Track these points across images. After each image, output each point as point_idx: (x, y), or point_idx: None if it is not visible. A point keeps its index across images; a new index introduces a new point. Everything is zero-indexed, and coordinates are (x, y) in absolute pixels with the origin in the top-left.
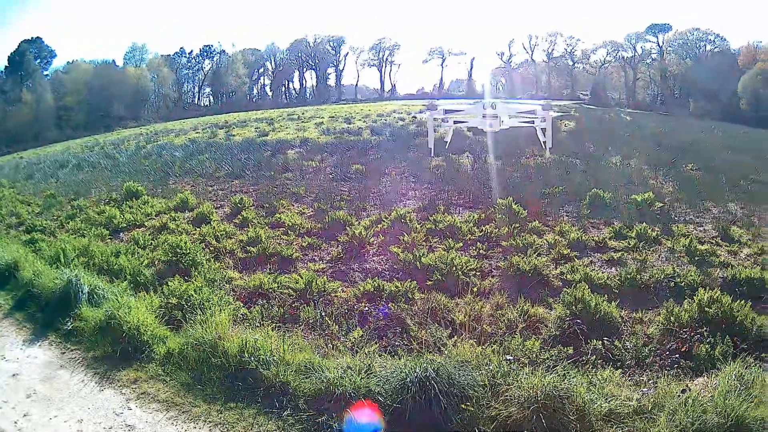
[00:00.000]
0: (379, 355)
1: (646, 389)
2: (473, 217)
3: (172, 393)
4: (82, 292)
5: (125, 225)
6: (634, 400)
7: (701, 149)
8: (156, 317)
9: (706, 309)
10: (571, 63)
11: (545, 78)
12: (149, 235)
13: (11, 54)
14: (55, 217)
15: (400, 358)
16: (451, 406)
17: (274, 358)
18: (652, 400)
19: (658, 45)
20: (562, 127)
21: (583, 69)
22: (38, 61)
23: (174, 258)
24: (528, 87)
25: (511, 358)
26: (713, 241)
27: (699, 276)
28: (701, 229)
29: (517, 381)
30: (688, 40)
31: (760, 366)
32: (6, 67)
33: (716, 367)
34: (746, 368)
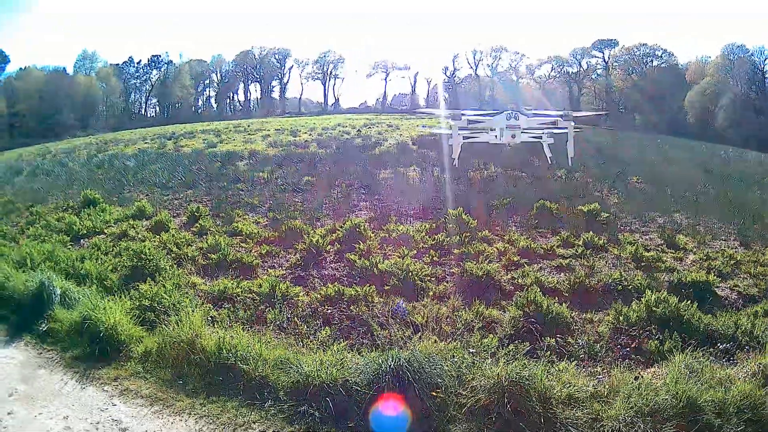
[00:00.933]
0: (348, 353)
1: (601, 377)
2: (425, 226)
3: (155, 389)
4: (54, 294)
5: (85, 232)
6: (590, 386)
7: (646, 162)
8: (129, 318)
9: (654, 309)
10: (515, 78)
11: (489, 93)
12: (110, 241)
13: None
14: (14, 223)
15: (369, 353)
16: (423, 393)
17: (252, 354)
18: (607, 386)
19: (604, 60)
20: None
21: (528, 84)
22: None
23: (138, 263)
24: (472, 101)
25: (474, 350)
26: (659, 249)
27: (645, 280)
28: (647, 237)
29: (482, 370)
30: (634, 56)
31: (708, 358)
32: None
33: (666, 359)
34: (695, 359)
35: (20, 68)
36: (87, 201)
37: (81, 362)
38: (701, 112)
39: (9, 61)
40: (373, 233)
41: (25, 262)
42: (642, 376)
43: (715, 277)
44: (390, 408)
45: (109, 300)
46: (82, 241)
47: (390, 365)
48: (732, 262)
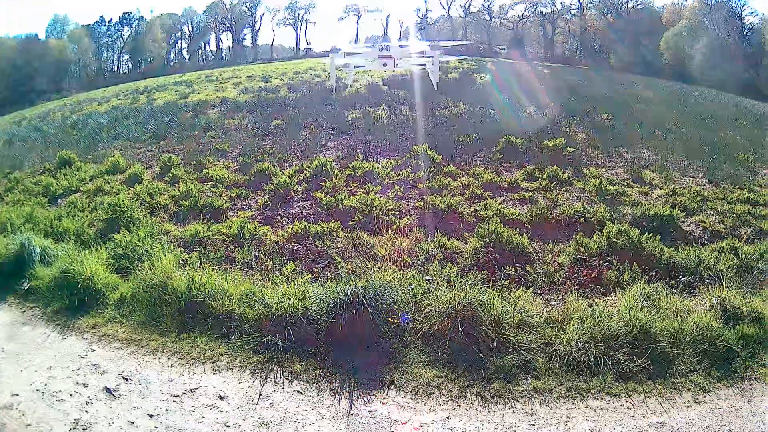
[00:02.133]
0: (311, 285)
1: (556, 304)
2: (390, 163)
3: (130, 332)
4: (34, 253)
5: (62, 191)
6: (544, 312)
7: (618, 101)
8: (106, 268)
9: (615, 240)
10: (488, 18)
11: (462, 33)
12: (86, 198)
13: None
14: None
15: (331, 285)
16: (379, 319)
17: (219, 291)
18: (561, 312)
19: (579, 1)
20: (477, 79)
21: (501, 24)
22: None
23: (113, 216)
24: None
25: (430, 278)
26: (624, 183)
27: (609, 212)
28: (613, 172)
29: (437, 297)
30: None
31: (667, 289)
32: None
33: (624, 290)
34: (653, 290)
35: None
36: (62, 161)
37: (62, 315)
38: (677, 53)
39: None
40: (339, 171)
41: (6, 227)
42: (597, 304)
43: (680, 212)
44: (348, 335)
45: (86, 253)
46: (59, 200)
47: (347, 293)
48: (699, 198)
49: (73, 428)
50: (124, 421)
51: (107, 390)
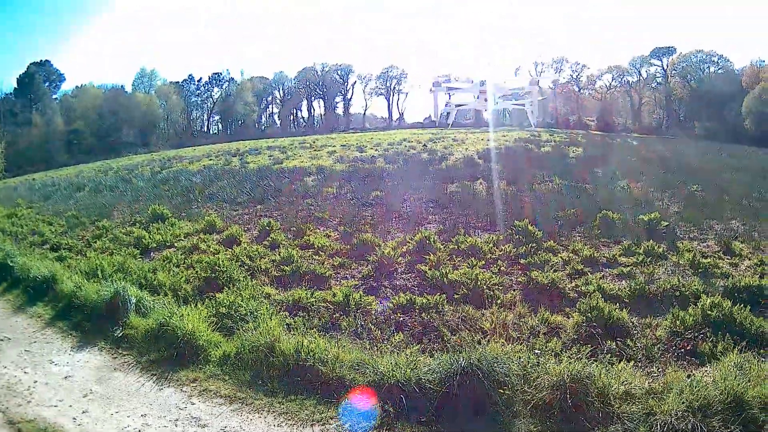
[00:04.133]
0: (421, 356)
1: (656, 376)
2: (492, 238)
3: (234, 389)
4: (130, 302)
5: (155, 245)
6: (646, 383)
7: (705, 170)
8: (207, 325)
9: (708, 312)
10: (577, 89)
11: (552, 105)
12: (181, 254)
13: (20, 76)
14: (79, 237)
15: (440, 356)
16: (492, 390)
17: (329, 356)
18: (661, 383)
19: (663, 68)
20: (570, 153)
21: (589, 95)
22: (47, 84)
23: (212, 275)
24: (538, 114)
25: (539, 351)
26: (716, 255)
27: (702, 285)
28: (704, 244)
29: (546, 369)
30: (691, 62)
31: (757, 358)
32: (15, 89)
33: (718, 360)
34: (744, 359)
35: (76, 86)
36: (155, 216)
37: (158, 366)
38: (759, 117)
39: (64, 79)
40: (442, 245)
41: (96, 273)
42: (694, 375)
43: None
44: (460, 404)
45: (186, 308)
46: (152, 254)
47: (461, 364)
48: None
49: None
50: None
51: None
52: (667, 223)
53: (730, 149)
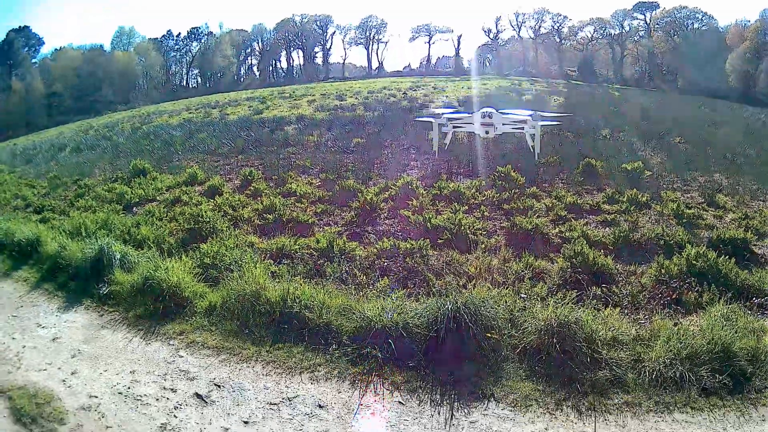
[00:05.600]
0: (407, 300)
1: (643, 323)
2: (474, 183)
3: (221, 340)
4: (114, 258)
5: (137, 200)
6: (633, 330)
7: (688, 124)
8: (192, 277)
9: (694, 262)
10: (558, 40)
11: (532, 54)
12: (164, 207)
13: (0, 44)
14: (62, 197)
15: (427, 300)
16: (479, 334)
17: (315, 303)
18: (648, 331)
19: (646, 23)
20: (552, 102)
21: (570, 46)
22: (26, 49)
23: (195, 226)
24: (515, 63)
25: (525, 296)
26: (700, 207)
27: (686, 235)
28: (688, 196)
29: (533, 314)
30: (675, 18)
31: (743, 310)
32: None
33: (704, 310)
34: (730, 311)
35: (55, 49)
36: (136, 171)
37: (145, 320)
38: (742, 75)
39: (43, 43)
40: (424, 190)
41: (79, 231)
42: (681, 323)
43: (752, 236)
44: (448, 348)
45: (170, 260)
46: (134, 209)
47: (448, 308)
48: None
49: None
50: (217, 427)
51: (198, 396)
52: (651, 173)
53: (711, 105)
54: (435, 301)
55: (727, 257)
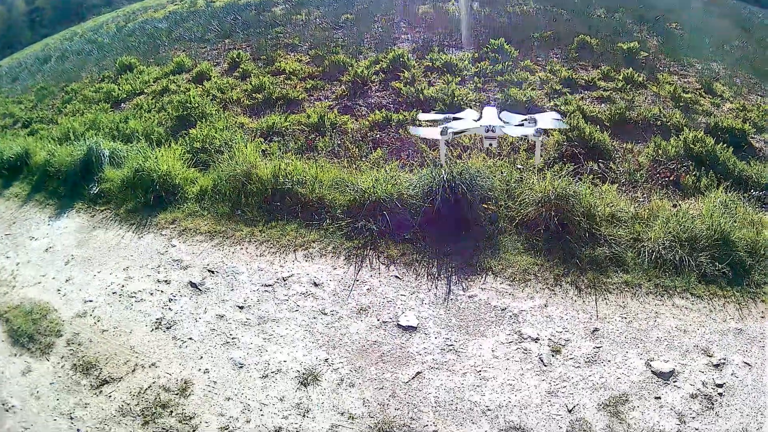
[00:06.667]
0: (401, 171)
1: (641, 201)
2: (467, 56)
3: (213, 224)
4: (103, 156)
5: (125, 95)
6: (631, 208)
7: (686, 12)
8: (182, 163)
9: (691, 146)
10: None
11: None
12: (152, 99)
13: None
14: (50, 106)
15: (421, 171)
16: (475, 205)
17: (308, 177)
18: (647, 210)
19: None
20: None
21: None
22: None
23: (184, 113)
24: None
25: (521, 167)
26: (697, 93)
27: (684, 119)
28: (685, 80)
29: (530, 186)
30: None
31: (743, 200)
32: None
33: (702, 195)
34: (730, 200)
35: None
36: (123, 67)
37: (137, 214)
38: None
39: None
40: (416, 62)
41: (68, 136)
42: (680, 205)
43: (750, 128)
44: (444, 220)
45: (159, 150)
46: (122, 105)
47: (443, 177)
48: None
49: (156, 328)
50: (212, 315)
51: (192, 285)
52: (647, 54)
53: None
54: (429, 171)
55: (725, 145)
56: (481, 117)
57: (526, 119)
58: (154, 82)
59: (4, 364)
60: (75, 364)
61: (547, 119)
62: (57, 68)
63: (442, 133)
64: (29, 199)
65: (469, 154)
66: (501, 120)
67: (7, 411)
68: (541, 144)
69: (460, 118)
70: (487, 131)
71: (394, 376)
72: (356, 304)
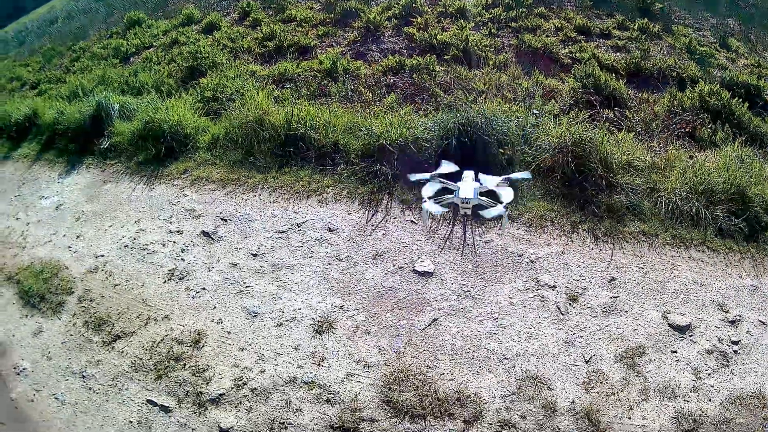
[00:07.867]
0: (416, 115)
1: (658, 150)
2: (481, 1)
3: (226, 171)
4: (113, 110)
5: (134, 50)
6: (648, 157)
7: None
8: (194, 113)
9: (707, 99)
10: None
11: None
12: (162, 52)
13: None
14: (58, 66)
15: (436, 114)
16: (491, 149)
17: (321, 123)
18: (663, 159)
19: None
20: None
21: None
22: None
23: (194, 63)
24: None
25: (537, 112)
26: (712, 46)
27: (699, 71)
28: (700, 33)
29: (546, 131)
30: None
31: (759, 156)
32: None
33: (718, 148)
34: (746, 155)
35: None
36: (131, 22)
37: (148, 165)
38: None
39: None
40: (429, 8)
41: (76, 93)
42: (697, 156)
43: (766, 84)
44: (459, 162)
45: (170, 100)
46: (131, 59)
47: (459, 120)
48: None
49: (168, 279)
50: (226, 264)
51: (205, 234)
52: (662, 5)
53: None
54: (444, 114)
55: (740, 100)
56: (461, 173)
57: (502, 179)
58: (163, 35)
59: (15, 327)
60: (87, 321)
61: (519, 175)
62: (64, 29)
63: (423, 201)
64: (38, 159)
65: (485, 97)
66: (478, 182)
67: (18, 374)
68: (509, 218)
69: (444, 174)
70: (464, 202)
71: (410, 323)
72: (372, 249)
